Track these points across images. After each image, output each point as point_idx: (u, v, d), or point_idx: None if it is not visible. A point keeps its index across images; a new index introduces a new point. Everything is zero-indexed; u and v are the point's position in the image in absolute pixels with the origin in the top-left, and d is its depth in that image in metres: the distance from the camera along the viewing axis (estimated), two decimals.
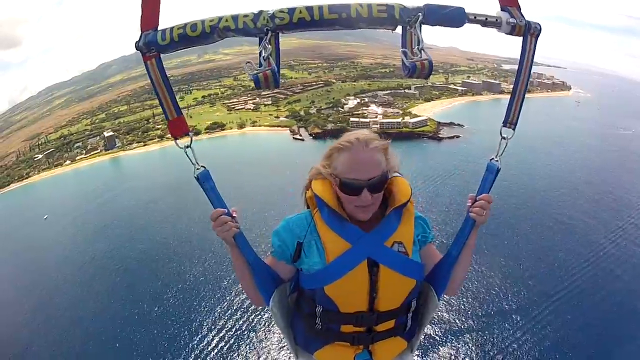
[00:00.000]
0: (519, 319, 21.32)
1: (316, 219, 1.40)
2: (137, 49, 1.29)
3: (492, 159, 1.44)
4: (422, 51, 1.20)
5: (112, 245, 33.50)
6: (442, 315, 20.86)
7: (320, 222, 1.40)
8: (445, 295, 1.57)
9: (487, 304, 22.26)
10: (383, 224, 1.39)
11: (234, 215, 1.40)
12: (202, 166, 1.37)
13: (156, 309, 24.63)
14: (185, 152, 1.34)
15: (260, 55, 1.18)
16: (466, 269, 1.52)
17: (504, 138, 1.41)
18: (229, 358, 21.21)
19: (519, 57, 1.37)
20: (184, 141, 1.35)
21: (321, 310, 1.41)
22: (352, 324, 1.40)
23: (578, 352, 18.82)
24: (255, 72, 1.15)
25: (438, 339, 19.61)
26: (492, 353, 18.84)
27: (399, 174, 1.48)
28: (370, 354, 1.46)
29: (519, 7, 1.34)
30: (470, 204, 1.45)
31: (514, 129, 1.41)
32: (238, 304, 24.66)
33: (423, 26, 1.22)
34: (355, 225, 1.38)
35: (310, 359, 1.54)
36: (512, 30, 1.32)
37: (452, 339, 19.40)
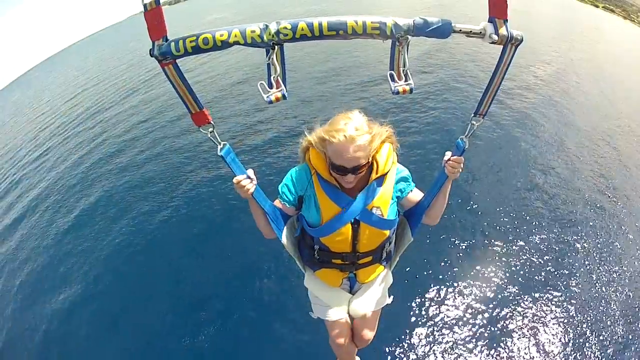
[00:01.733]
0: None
1: (314, 180, 1.81)
2: (152, 57, 1.41)
3: (462, 138, 1.67)
4: (406, 75, 1.39)
5: None
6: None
7: (317, 185, 1.80)
8: (429, 224, 1.98)
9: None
10: (366, 191, 1.78)
11: (251, 176, 1.71)
12: (224, 144, 1.61)
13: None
14: (209, 136, 1.57)
15: (268, 75, 1.39)
16: (443, 206, 1.89)
17: (473, 124, 1.61)
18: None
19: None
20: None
21: (318, 248, 1.93)
22: (340, 259, 1.94)
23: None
24: (268, 95, 1.38)
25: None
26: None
27: (388, 142, 1.79)
28: (356, 276, 2.06)
29: (506, 19, 1.41)
30: (446, 159, 1.72)
31: (482, 118, 1.61)
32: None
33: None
34: (344, 193, 1.78)
35: (313, 274, 2.12)
36: (494, 42, 1.41)
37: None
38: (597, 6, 32.93)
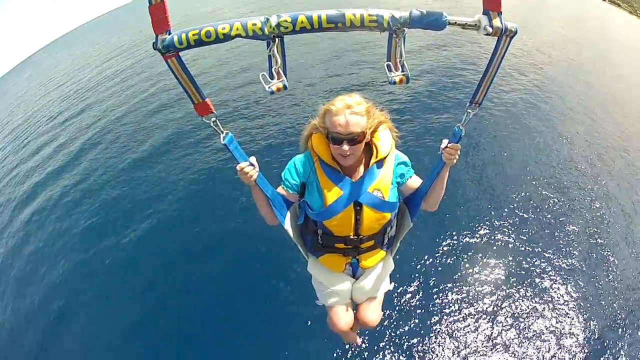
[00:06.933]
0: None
1: (317, 166, 1.87)
2: (155, 49, 1.43)
3: (458, 126, 1.72)
4: (402, 65, 1.44)
5: None
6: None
7: (320, 171, 1.86)
8: (428, 210, 2.03)
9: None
10: (366, 174, 1.85)
11: (253, 163, 1.76)
12: (226, 132, 1.64)
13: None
14: (212, 125, 1.60)
15: (270, 67, 1.44)
16: (441, 193, 1.95)
17: (469, 112, 1.67)
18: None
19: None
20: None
21: (321, 233, 1.98)
22: (343, 243, 1.98)
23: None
24: (270, 85, 1.42)
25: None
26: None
27: (387, 127, 1.88)
28: (358, 261, 2.10)
29: (500, 12, 1.42)
30: (443, 147, 1.77)
31: (478, 107, 1.66)
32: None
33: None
34: (346, 176, 1.85)
35: (316, 260, 2.16)
36: (489, 34, 1.42)
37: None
38: None
